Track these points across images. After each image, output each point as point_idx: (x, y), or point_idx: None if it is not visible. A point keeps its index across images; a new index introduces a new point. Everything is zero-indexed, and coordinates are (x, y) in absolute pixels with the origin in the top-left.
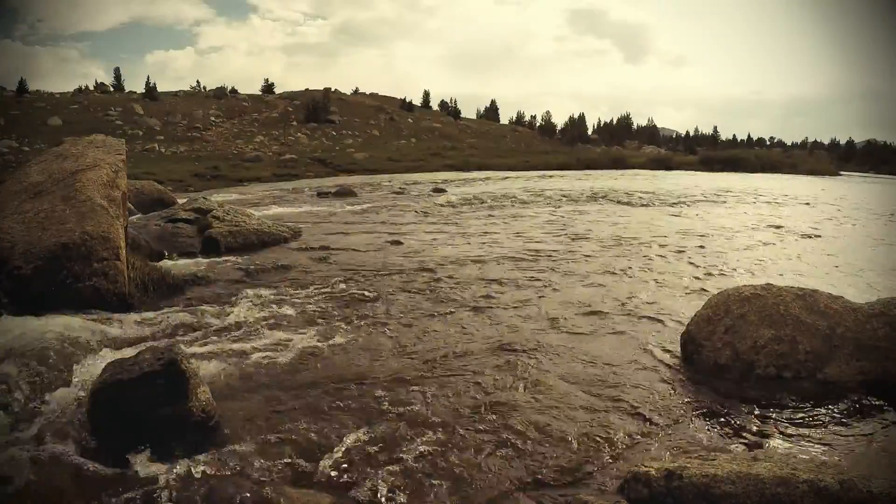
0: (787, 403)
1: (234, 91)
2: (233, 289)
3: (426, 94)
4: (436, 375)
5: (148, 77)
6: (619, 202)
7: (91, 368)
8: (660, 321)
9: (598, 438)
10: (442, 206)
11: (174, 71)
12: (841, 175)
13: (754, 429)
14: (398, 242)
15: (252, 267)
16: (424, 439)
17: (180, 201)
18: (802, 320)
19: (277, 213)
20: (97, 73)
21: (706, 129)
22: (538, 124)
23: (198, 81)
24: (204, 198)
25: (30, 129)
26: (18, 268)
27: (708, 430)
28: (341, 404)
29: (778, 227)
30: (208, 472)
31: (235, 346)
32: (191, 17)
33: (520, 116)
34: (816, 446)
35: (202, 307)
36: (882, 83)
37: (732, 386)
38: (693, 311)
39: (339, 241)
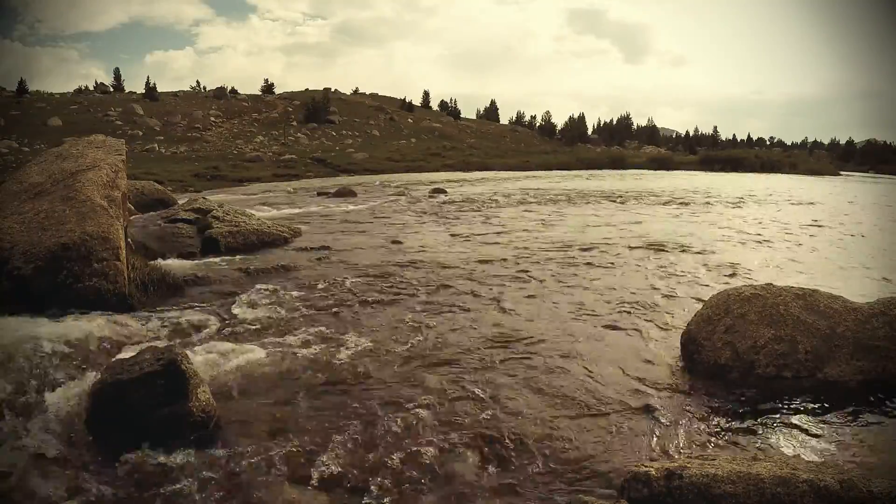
0: (786, 403)
1: (233, 91)
2: (233, 289)
3: (426, 95)
4: (436, 375)
5: (148, 77)
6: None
7: (91, 368)
8: None
9: (598, 438)
10: (442, 206)
11: (174, 71)
12: (841, 175)
13: (754, 428)
14: (398, 242)
15: (252, 267)
16: (425, 440)
17: (180, 201)
18: (802, 320)
19: (277, 214)
20: (97, 74)
21: (706, 129)
22: (538, 124)
23: (197, 82)
24: (204, 198)
25: (30, 129)
26: (18, 268)
27: (708, 429)
28: (342, 404)
29: None
30: (208, 472)
31: (235, 346)
32: (190, 17)
33: (520, 116)
34: (816, 446)
35: (202, 307)
36: (882, 83)
37: (732, 385)
38: None
39: (339, 241)
